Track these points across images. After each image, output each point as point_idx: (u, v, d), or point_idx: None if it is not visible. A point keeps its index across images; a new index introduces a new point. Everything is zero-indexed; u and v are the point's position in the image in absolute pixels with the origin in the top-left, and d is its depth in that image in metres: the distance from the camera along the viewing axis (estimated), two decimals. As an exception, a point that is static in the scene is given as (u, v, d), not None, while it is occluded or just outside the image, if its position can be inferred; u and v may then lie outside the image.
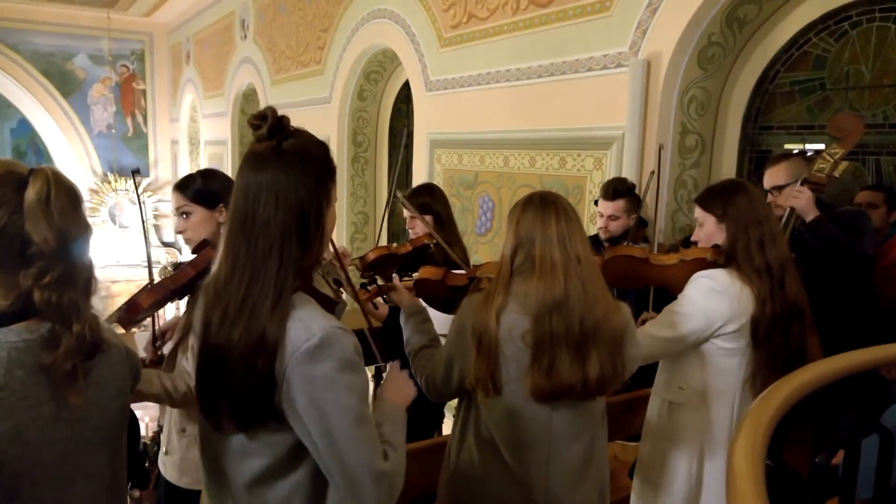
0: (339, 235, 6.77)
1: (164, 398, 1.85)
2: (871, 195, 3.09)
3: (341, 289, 2.06)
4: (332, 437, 1.17)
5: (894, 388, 2.63)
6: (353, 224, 6.75)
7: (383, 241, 5.44)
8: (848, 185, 3.30)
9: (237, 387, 1.18)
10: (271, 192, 1.20)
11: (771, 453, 1.24)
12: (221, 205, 2.11)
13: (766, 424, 1.05)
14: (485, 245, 4.79)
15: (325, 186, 1.28)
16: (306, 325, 1.18)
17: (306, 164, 1.24)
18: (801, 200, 2.54)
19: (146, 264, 2.49)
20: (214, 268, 1.28)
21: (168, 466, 2.15)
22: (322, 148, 1.30)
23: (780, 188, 2.69)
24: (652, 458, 2.19)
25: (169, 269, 2.16)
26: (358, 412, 1.19)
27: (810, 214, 2.53)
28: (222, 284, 1.23)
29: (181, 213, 2.15)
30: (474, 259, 4.59)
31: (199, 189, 2.14)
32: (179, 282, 2.02)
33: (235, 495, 1.29)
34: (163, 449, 2.20)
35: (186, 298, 2.09)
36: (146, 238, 2.55)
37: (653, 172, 3.19)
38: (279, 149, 1.23)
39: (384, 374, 1.54)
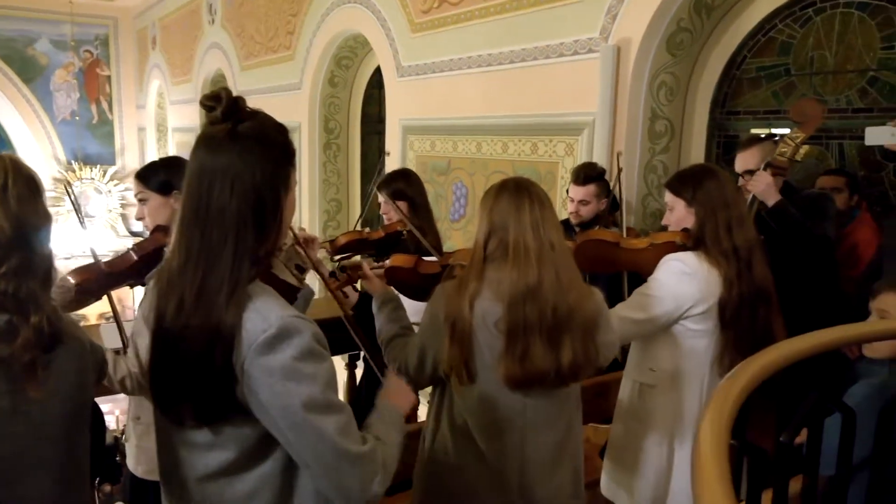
0: (312, 223, 6.73)
1: (106, 383, 1.79)
2: (833, 179, 3.15)
3: (305, 275, 2.04)
4: (301, 427, 1.14)
5: (858, 367, 2.70)
6: (325, 212, 6.71)
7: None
8: (813, 169, 3.37)
9: (196, 381, 1.14)
10: (227, 178, 1.14)
11: (736, 433, 1.28)
12: (177, 191, 2.09)
13: (731, 405, 1.07)
14: (458, 231, 4.81)
15: (284, 171, 1.22)
16: (263, 315, 1.13)
17: (264, 149, 1.18)
18: (762, 185, 2.60)
19: (101, 253, 2.44)
20: (167, 255, 1.21)
21: (127, 454, 2.17)
22: (280, 131, 1.24)
23: (751, 172, 2.74)
24: (623, 440, 2.23)
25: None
26: (324, 400, 1.15)
27: (771, 199, 2.59)
28: (176, 273, 1.17)
29: (139, 199, 2.16)
30: (448, 245, 4.60)
31: (155, 176, 2.14)
32: (117, 266, 1.98)
33: (192, 489, 1.24)
34: (124, 437, 2.20)
35: None
36: (80, 222, 2.51)
37: (620, 169, 3.23)
38: (235, 132, 1.16)
39: (370, 368, 1.52)
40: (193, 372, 1.13)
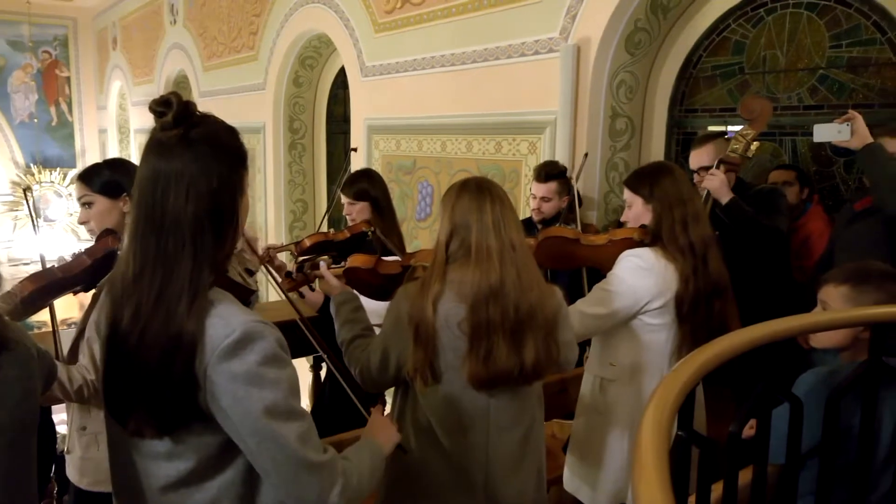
0: (278, 224, 6.69)
1: (59, 392, 1.76)
2: (784, 174, 3.24)
3: (254, 277, 2.02)
4: (262, 433, 1.12)
5: (812, 357, 2.77)
6: (292, 212, 6.67)
7: (324, 229, 5.40)
8: (767, 164, 3.45)
9: (155, 390, 1.11)
10: (181, 184, 1.12)
11: (684, 424, 1.32)
12: (126, 194, 2.05)
13: (675, 396, 1.10)
14: (425, 230, 4.82)
15: (238, 175, 1.21)
16: (226, 321, 1.12)
17: (217, 153, 1.17)
18: (715, 182, 2.67)
19: (51, 259, 2.41)
20: (121, 263, 1.19)
21: (70, 466, 2.07)
22: (233, 134, 1.23)
23: (706, 169, 2.80)
24: (585, 434, 2.26)
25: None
26: (286, 406, 1.14)
27: (725, 196, 2.66)
28: (131, 282, 1.14)
29: (83, 203, 2.09)
30: (416, 245, 4.61)
31: (101, 178, 2.08)
32: (71, 271, 1.94)
33: (149, 500, 1.21)
34: (65, 448, 2.10)
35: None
36: (34, 227, 2.46)
37: (578, 174, 3.28)
38: (187, 137, 1.15)
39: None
40: (152, 380, 1.11)
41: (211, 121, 1.21)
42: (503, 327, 1.67)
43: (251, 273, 1.95)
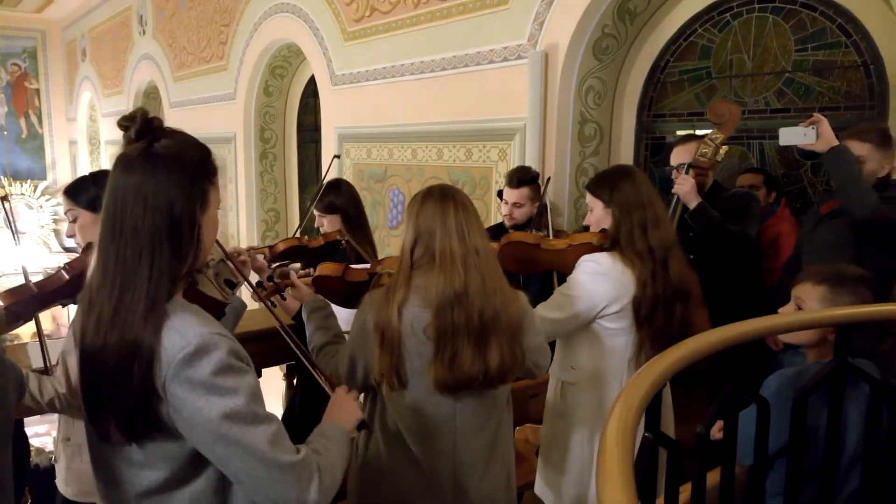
0: (251, 233, 6.63)
1: (31, 403, 1.77)
2: (752, 177, 3.26)
3: (237, 290, 2.01)
4: (227, 440, 1.14)
5: (780, 359, 2.79)
6: (264, 222, 6.62)
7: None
8: (736, 168, 3.47)
9: (119, 398, 1.14)
10: (140, 196, 1.16)
11: (651, 426, 1.30)
12: None
13: (640, 400, 1.09)
14: (397, 238, 4.80)
15: (201, 189, 1.23)
16: (181, 333, 1.14)
17: (179, 167, 1.20)
18: (685, 187, 2.67)
19: (33, 271, 2.39)
20: (89, 274, 1.23)
21: (57, 476, 2.14)
22: (199, 149, 1.26)
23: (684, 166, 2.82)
24: (551, 438, 2.26)
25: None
26: (248, 412, 1.16)
27: (693, 202, 2.67)
28: (95, 292, 1.18)
29: (70, 217, 2.11)
30: (387, 252, 4.58)
31: (87, 194, 2.09)
32: (49, 286, 1.94)
33: None
34: (54, 458, 2.17)
35: None
36: (14, 238, 2.45)
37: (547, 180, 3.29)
38: (150, 151, 1.19)
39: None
40: (113, 388, 1.14)
41: (178, 136, 1.25)
42: (468, 331, 1.68)
43: (233, 286, 1.93)
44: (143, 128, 1.19)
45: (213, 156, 1.29)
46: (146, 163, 1.17)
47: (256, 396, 1.19)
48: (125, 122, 1.20)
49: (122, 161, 1.20)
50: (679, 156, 2.89)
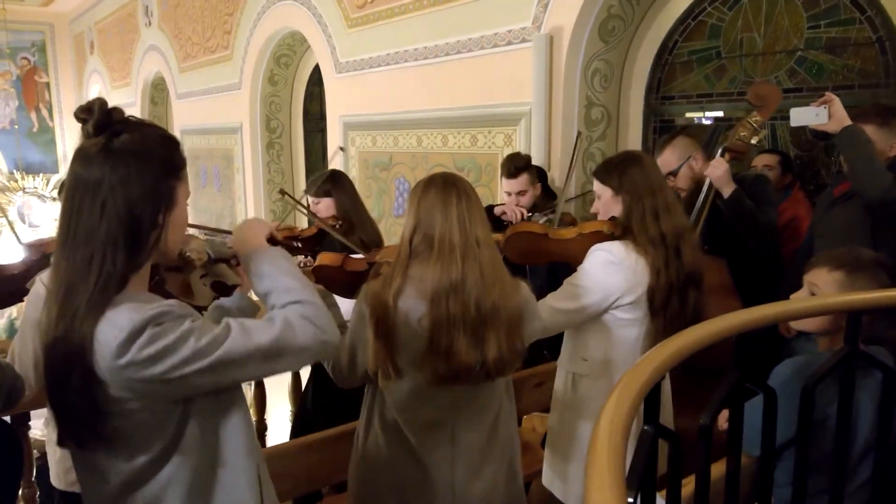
0: (259, 225, 6.60)
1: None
2: (768, 157, 3.19)
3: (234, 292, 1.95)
4: (213, 370, 1.08)
5: (793, 346, 2.72)
6: (272, 212, 6.60)
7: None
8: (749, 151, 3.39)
9: (66, 396, 1.11)
10: (97, 196, 1.09)
11: (650, 418, 1.25)
12: None
13: (637, 390, 1.05)
14: (402, 227, 4.75)
15: (167, 186, 1.16)
16: (113, 322, 1.08)
17: (141, 164, 1.12)
18: (718, 171, 2.54)
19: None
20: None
21: (51, 471, 2.23)
22: (165, 143, 1.18)
23: (674, 173, 2.70)
24: (560, 429, 2.21)
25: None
26: (203, 345, 1.08)
27: (727, 188, 2.54)
28: (50, 291, 1.14)
29: None
30: (393, 241, 4.54)
31: None
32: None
33: (112, 496, 1.21)
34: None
35: None
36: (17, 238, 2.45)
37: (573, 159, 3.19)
38: (108, 146, 1.11)
39: None
40: (61, 387, 1.11)
41: (143, 130, 1.17)
42: (464, 322, 1.65)
43: (227, 287, 1.80)
44: (101, 120, 1.12)
45: (181, 148, 1.22)
46: (105, 161, 1.10)
47: (200, 332, 1.10)
48: (82, 115, 1.13)
49: (78, 157, 1.12)
50: (666, 163, 2.69)
